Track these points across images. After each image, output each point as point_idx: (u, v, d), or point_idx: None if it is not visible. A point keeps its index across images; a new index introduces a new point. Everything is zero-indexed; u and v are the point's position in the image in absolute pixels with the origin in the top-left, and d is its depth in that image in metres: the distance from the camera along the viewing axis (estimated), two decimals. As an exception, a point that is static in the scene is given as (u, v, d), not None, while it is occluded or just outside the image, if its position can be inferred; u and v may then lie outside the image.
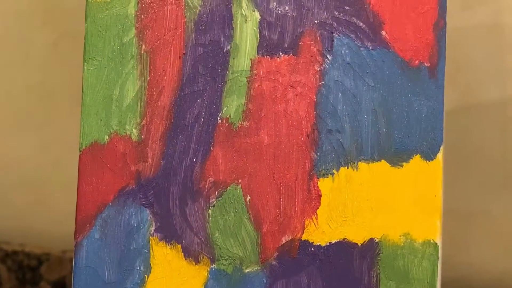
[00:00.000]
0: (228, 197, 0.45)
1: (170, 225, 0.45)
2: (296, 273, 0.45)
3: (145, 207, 0.45)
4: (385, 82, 0.46)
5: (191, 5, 0.45)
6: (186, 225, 0.45)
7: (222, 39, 0.45)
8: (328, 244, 0.45)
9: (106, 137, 0.45)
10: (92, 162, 0.44)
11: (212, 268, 0.45)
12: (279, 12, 0.46)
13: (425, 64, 0.46)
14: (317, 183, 0.45)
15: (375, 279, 0.45)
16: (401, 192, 0.46)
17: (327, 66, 0.46)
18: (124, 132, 0.45)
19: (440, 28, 0.46)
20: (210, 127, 0.45)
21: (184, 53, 0.45)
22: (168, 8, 0.45)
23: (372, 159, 0.46)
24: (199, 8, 0.45)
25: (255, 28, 0.45)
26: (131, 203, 0.45)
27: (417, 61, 0.46)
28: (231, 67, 0.45)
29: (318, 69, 0.46)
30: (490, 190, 0.64)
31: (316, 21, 0.46)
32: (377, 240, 0.46)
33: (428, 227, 0.46)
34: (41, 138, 0.73)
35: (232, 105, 0.45)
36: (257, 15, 0.45)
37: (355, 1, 0.46)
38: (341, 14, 0.46)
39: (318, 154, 0.45)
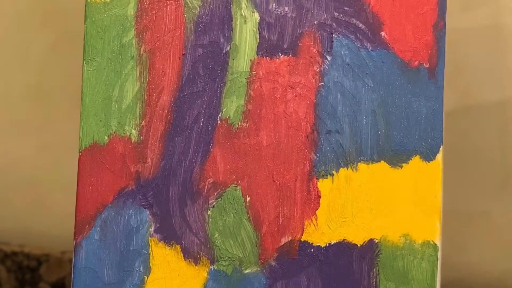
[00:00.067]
0: (228, 198, 0.45)
1: (169, 226, 0.45)
2: (296, 274, 0.45)
3: (145, 208, 0.45)
4: (385, 83, 0.46)
5: (190, 6, 0.45)
6: (186, 226, 0.45)
7: (221, 40, 0.45)
8: (327, 245, 0.45)
9: (106, 138, 0.45)
10: (92, 163, 0.44)
11: (211, 269, 0.45)
12: (279, 13, 0.46)
13: (425, 65, 0.46)
14: (316, 184, 0.45)
15: (374, 280, 0.45)
16: (400, 193, 0.46)
17: (327, 67, 0.46)
18: (124, 133, 0.45)
19: (439, 29, 0.46)
20: (209, 128, 0.45)
21: (183, 54, 0.45)
22: (168, 9, 0.45)
23: (371, 160, 0.46)
24: (198, 9, 0.45)
25: (254, 29, 0.45)
26: (130, 204, 0.45)
27: (416, 62, 0.46)
28: (231, 68, 0.45)
29: (317, 70, 0.46)
30: (489, 191, 0.64)
31: (315, 22, 0.46)
32: (376, 241, 0.46)
33: (427, 228, 0.46)
34: (41, 139, 0.73)
35: (232, 106, 0.45)
36: (256, 16, 0.45)
37: (355, 2, 0.46)
38: (341, 15, 0.46)
39: (318, 155, 0.45)
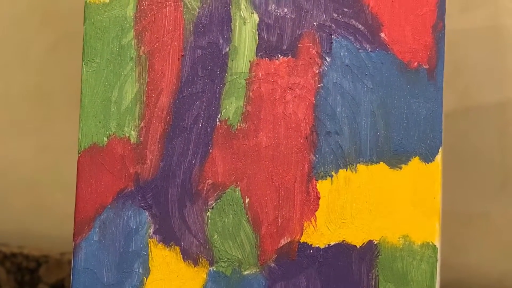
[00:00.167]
0: (227, 199, 0.45)
1: (168, 227, 0.45)
2: (295, 275, 0.45)
3: (144, 209, 0.45)
4: (384, 84, 0.46)
5: (189, 7, 0.45)
6: (185, 227, 0.45)
7: (220, 41, 0.45)
8: (327, 246, 0.45)
9: (105, 139, 0.45)
10: (91, 164, 0.44)
11: (210, 270, 0.45)
12: (278, 14, 0.46)
13: (424, 66, 0.46)
14: (315, 185, 0.45)
15: (373, 281, 0.45)
16: (399, 194, 0.46)
17: (326, 68, 0.46)
18: (123, 134, 0.45)
19: (438, 30, 0.46)
20: (208, 129, 0.45)
21: (182, 55, 0.45)
22: (167, 10, 0.45)
23: (370, 161, 0.46)
24: (197, 10, 0.45)
25: (253, 30, 0.45)
26: (129, 205, 0.44)
27: (416, 63, 0.46)
28: (230, 69, 0.45)
29: (317, 71, 0.46)
30: (488, 192, 0.64)
31: (315, 23, 0.46)
32: (375, 242, 0.46)
33: (426, 229, 0.46)
34: (40, 140, 0.73)
35: (231, 107, 0.45)
36: (255, 17, 0.45)
37: (354, 3, 0.46)
38: (340, 16, 0.46)
39: (317, 156, 0.45)
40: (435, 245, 0.46)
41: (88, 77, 0.45)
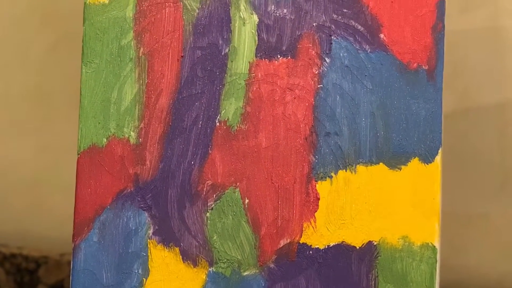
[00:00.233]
0: (226, 200, 0.45)
1: (168, 228, 0.45)
2: (295, 276, 0.45)
3: (143, 210, 0.45)
4: (384, 85, 0.46)
5: (189, 8, 0.45)
6: (184, 228, 0.45)
7: (220, 42, 0.45)
8: (326, 247, 0.45)
9: (104, 140, 0.45)
10: (90, 165, 0.44)
11: (210, 271, 0.45)
12: (278, 15, 0.46)
13: (424, 67, 0.46)
14: (315, 186, 0.45)
15: (373, 282, 0.45)
16: (399, 195, 0.46)
17: (326, 69, 0.46)
18: (122, 135, 0.45)
19: (438, 31, 0.46)
20: (208, 130, 0.45)
21: (182, 56, 0.45)
22: (166, 11, 0.45)
23: (370, 162, 0.46)
24: (197, 11, 0.45)
25: (253, 31, 0.45)
26: (129, 206, 0.44)
27: (415, 64, 0.46)
28: (229, 70, 0.45)
29: (316, 72, 0.46)
30: (488, 193, 0.64)
31: (314, 24, 0.46)
32: (375, 243, 0.46)
33: (426, 230, 0.46)
34: (39, 141, 0.73)
35: (230, 108, 0.45)
36: (255, 18, 0.45)
37: (354, 4, 0.46)
38: (340, 17, 0.46)
39: (316, 157, 0.45)
40: (434, 246, 0.46)
41: (88, 78, 0.45)
